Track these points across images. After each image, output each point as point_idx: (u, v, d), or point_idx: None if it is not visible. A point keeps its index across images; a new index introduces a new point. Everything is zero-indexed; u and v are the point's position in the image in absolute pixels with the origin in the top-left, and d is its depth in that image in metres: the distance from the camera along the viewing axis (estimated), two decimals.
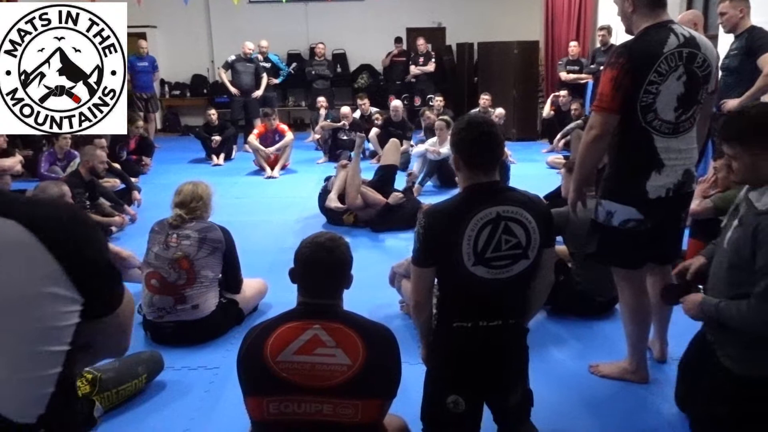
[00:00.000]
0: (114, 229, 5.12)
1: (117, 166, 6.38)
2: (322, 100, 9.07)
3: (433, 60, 9.92)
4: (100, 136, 6.43)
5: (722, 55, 4.61)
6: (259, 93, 9.19)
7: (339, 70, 11.08)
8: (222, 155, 8.42)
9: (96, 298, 0.90)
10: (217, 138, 8.33)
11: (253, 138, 7.80)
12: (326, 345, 1.75)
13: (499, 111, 8.02)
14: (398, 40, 10.25)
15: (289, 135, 7.86)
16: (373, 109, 8.91)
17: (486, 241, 1.91)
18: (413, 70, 9.91)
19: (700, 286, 2.23)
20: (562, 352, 3.13)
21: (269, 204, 6.29)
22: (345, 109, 8.43)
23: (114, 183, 6.30)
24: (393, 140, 6.06)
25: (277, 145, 7.74)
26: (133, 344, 3.04)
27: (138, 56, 9.23)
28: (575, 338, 3.26)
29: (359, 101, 8.91)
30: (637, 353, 2.74)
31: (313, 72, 10.02)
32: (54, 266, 0.83)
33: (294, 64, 10.99)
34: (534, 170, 7.43)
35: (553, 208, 3.34)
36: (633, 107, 2.33)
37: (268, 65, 9.55)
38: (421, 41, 9.95)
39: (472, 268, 1.92)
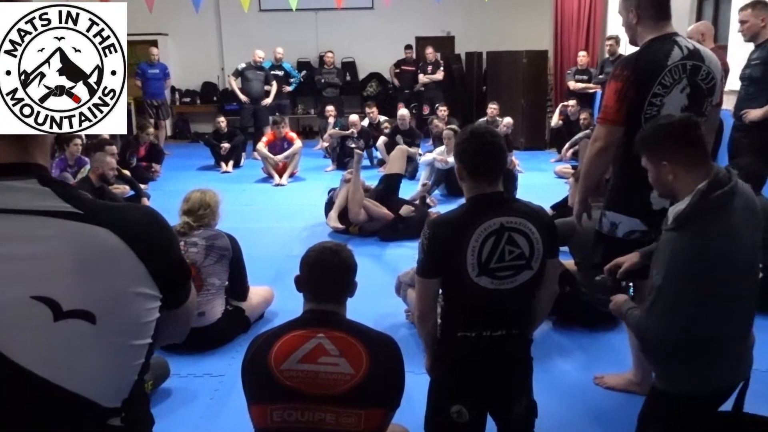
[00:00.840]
0: None
1: (127, 172, 6.42)
2: (330, 109, 9.08)
3: (442, 69, 9.95)
4: (111, 143, 6.50)
5: (737, 66, 4.61)
6: (268, 101, 9.24)
7: (348, 78, 11.13)
8: (231, 162, 8.47)
9: (172, 293, 1.02)
10: (226, 145, 8.38)
11: (261, 145, 7.85)
12: (330, 354, 1.76)
13: (507, 120, 8.02)
14: (408, 47, 10.26)
15: (298, 143, 7.90)
16: (382, 118, 8.94)
17: (490, 251, 1.92)
18: (422, 78, 9.94)
19: (630, 285, 2.17)
20: (567, 363, 3.12)
21: (277, 211, 6.31)
22: (353, 117, 8.46)
23: (123, 189, 6.36)
24: (400, 148, 6.06)
25: (286, 153, 7.78)
26: None
27: (149, 63, 9.32)
28: (580, 349, 3.25)
29: (368, 109, 8.95)
30: (642, 365, 2.73)
31: (323, 80, 10.07)
32: (141, 268, 0.93)
33: (303, 72, 11.05)
34: (542, 179, 7.43)
35: (560, 218, 3.35)
36: (637, 119, 2.33)
37: (281, 73, 9.61)
38: (429, 50, 9.98)
39: (476, 278, 1.93)
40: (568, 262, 3.51)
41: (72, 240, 0.89)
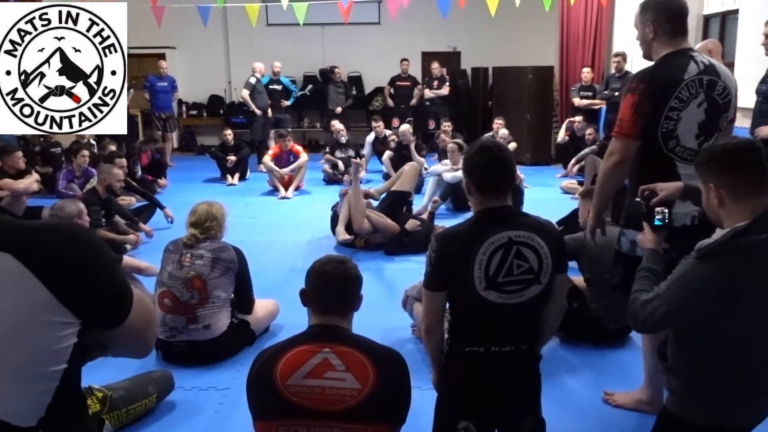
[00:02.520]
0: (129, 247, 5.16)
1: (135, 184, 6.43)
2: (341, 129, 8.65)
3: (448, 84, 9.97)
4: (120, 155, 6.53)
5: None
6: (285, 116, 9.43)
7: (354, 92, 11.19)
8: (237, 175, 8.49)
9: (95, 318, 0.93)
10: (232, 158, 8.41)
11: (268, 158, 7.86)
12: (336, 369, 1.74)
13: (503, 132, 8.14)
14: (404, 60, 10.22)
15: (304, 156, 7.91)
16: (388, 132, 8.96)
17: (498, 265, 1.90)
18: (427, 93, 9.96)
19: (666, 211, 2.03)
20: (575, 380, 3.08)
21: (282, 224, 6.31)
22: (338, 126, 8.53)
23: (130, 201, 6.37)
24: (413, 165, 5.96)
25: (292, 166, 7.79)
26: (145, 363, 3.06)
27: (158, 76, 9.38)
28: (589, 366, 3.21)
29: (374, 123, 8.97)
30: (653, 384, 2.69)
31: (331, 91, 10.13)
32: (47, 295, 0.86)
33: (310, 86, 11.10)
34: (548, 195, 7.41)
35: (569, 234, 3.34)
36: (654, 134, 2.31)
37: (279, 87, 9.66)
38: (435, 65, 10.01)
39: (484, 292, 1.91)
40: (577, 278, 3.48)
41: None
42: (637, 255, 2.44)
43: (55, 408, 0.89)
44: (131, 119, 10.21)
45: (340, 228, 5.29)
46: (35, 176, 6.40)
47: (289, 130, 8.89)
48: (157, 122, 9.46)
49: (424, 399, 2.19)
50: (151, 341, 1.12)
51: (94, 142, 8.00)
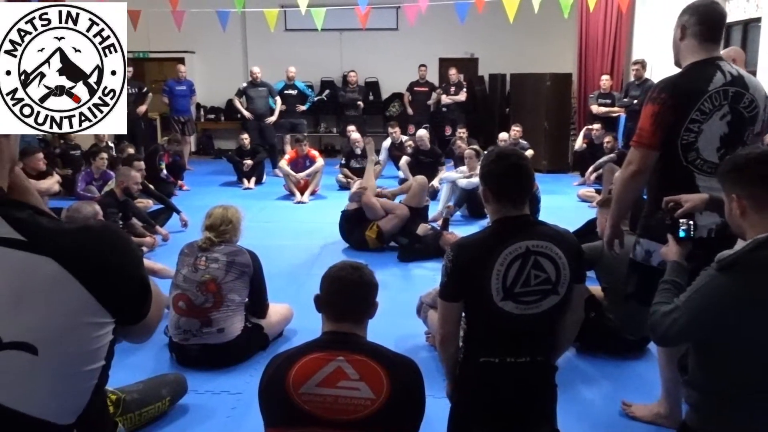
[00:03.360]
0: (145, 249, 5.19)
1: (152, 188, 6.48)
2: (357, 140, 8.46)
3: (465, 90, 9.94)
4: (138, 158, 6.59)
5: None
6: (273, 119, 9.32)
7: (371, 97, 11.19)
8: (253, 179, 8.53)
9: (126, 315, 0.98)
10: (248, 162, 8.45)
11: (284, 163, 7.89)
12: (350, 378, 1.73)
13: (503, 135, 8.23)
14: (422, 65, 10.21)
15: (320, 161, 7.93)
16: (404, 137, 8.95)
17: (515, 276, 1.88)
18: (444, 99, 9.95)
19: (690, 223, 1.99)
20: (592, 392, 3.04)
21: (297, 229, 6.32)
22: (355, 135, 8.51)
23: (147, 204, 6.42)
24: (420, 182, 5.83)
25: (308, 171, 7.81)
26: (159, 366, 3.07)
27: (177, 80, 9.46)
28: (606, 378, 3.17)
29: (390, 129, 8.97)
30: (671, 397, 2.64)
31: (346, 97, 10.13)
32: (87, 297, 0.89)
33: (327, 91, 11.13)
34: (565, 203, 7.35)
35: (587, 243, 3.29)
36: (674, 145, 2.27)
37: (294, 92, 9.68)
38: (453, 71, 9.99)
39: (501, 303, 1.89)
40: (594, 287, 3.44)
41: (11, 271, 0.85)
42: (651, 265, 2.41)
43: (92, 405, 0.92)
44: (150, 122, 10.31)
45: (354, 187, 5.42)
46: (56, 177, 6.48)
47: (305, 134, 8.92)
48: (176, 126, 9.54)
49: (437, 407, 2.17)
50: (155, 329, 1.15)
51: (112, 145, 8.09)
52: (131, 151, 7.28)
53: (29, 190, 1.06)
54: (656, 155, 2.30)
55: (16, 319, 0.85)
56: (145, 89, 9.18)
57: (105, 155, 7.11)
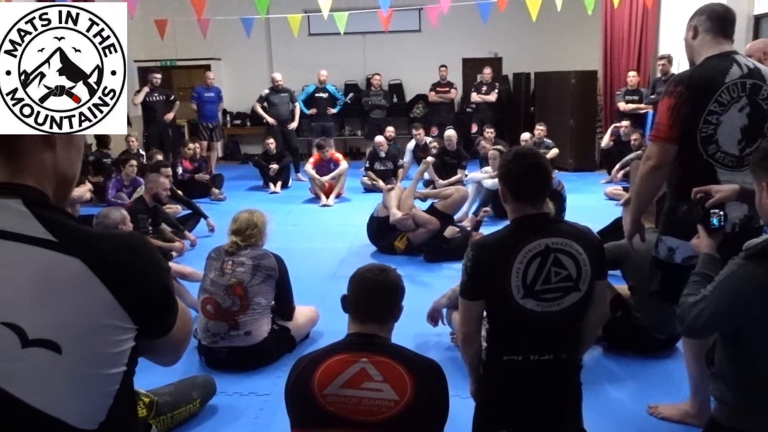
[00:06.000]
0: (174, 254, 5.28)
1: (180, 194, 6.60)
2: (381, 143, 8.53)
3: (496, 90, 9.90)
4: (166, 165, 6.72)
5: None
6: (294, 124, 9.42)
7: (395, 100, 11.21)
8: (279, 183, 8.61)
9: (148, 325, 0.98)
10: (274, 166, 8.54)
11: (309, 166, 7.96)
12: (373, 379, 1.74)
13: (525, 135, 8.27)
14: (443, 66, 10.20)
15: (344, 164, 7.97)
16: (428, 139, 8.95)
17: (535, 273, 1.88)
18: (474, 97, 9.92)
19: (722, 213, 1.97)
20: (619, 390, 3.01)
21: (323, 232, 6.36)
22: (379, 139, 8.55)
23: (175, 209, 6.53)
24: (461, 192, 5.92)
25: (332, 174, 7.86)
26: (189, 368, 3.13)
27: (206, 87, 9.60)
28: (633, 377, 3.13)
29: (414, 131, 8.98)
30: (699, 395, 2.61)
31: (370, 102, 10.17)
32: (110, 299, 0.91)
33: (351, 95, 11.18)
34: (592, 201, 7.28)
35: (614, 241, 3.27)
36: (693, 138, 2.26)
37: (325, 95, 9.76)
38: (487, 70, 9.94)
39: (522, 300, 1.89)
40: (621, 286, 3.40)
41: (40, 269, 0.88)
42: (675, 262, 2.39)
43: (115, 411, 0.93)
44: (178, 129, 10.48)
45: (395, 210, 5.36)
46: (88, 185, 6.62)
47: (332, 137, 8.97)
48: (204, 132, 9.68)
49: (461, 407, 2.18)
50: (181, 354, 1.17)
51: (143, 152, 8.25)
52: (160, 157, 7.41)
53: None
54: (675, 149, 2.28)
55: (41, 316, 0.87)
56: (173, 97, 9.34)
57: (134, 162, 7.25)
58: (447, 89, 10.15)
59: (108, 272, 0.91)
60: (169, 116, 9.11)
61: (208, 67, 10.58)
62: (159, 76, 8.96)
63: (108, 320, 0.91)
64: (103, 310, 0.91)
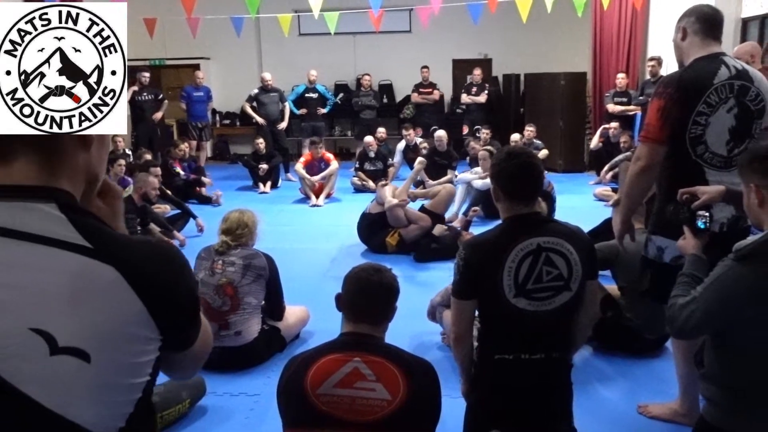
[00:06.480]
0: None
1: (170, 193, 6.56)
2: (370, 143, 8.55)
3: (486, 92, 9.93)
4: (155, 164, 6.67)
5: None
6: (284, 124, 9.37)
7: (385, 100, 11.21)
8: (269, 183, 8.59)
9: (173, 337, 0.98)
10: (264, 166, 8.51)
11: (299, 166, 7.94)
12: (366, 378, 1.74)
13: (514, 136, 8.23)
14: (424, 67, 10.22)
15: (334, 164, 7.96)
16: (419, 139, 8.96)
17: (527, 272, 1.89)
18: (464, 98, 9.94)
19: (707, 215, 1.99)
20: (609, 390, 3.03)
21: (313, 232, 6.35)
22: (368, 139, 8.54)
23: (164, 209, 6.49)
24: (448, 189, 6.01)
25: (322, 174, 7.85)
26: None
27: (195, 87, 9.55)
28: (623, 376, 3.15)
29: (404, 131, 8.98)
30: (689, 395, 2.63)
31: (360, 102, 10.17)
32: (142, 309, 0.90)
33: (341, 95, 11.18)
34: (581, 202, 7.32)
35: (604, 242, 3.28)
36: (682, 139, 2.28)
37: (315, 95, 9.74)
38: (477, 71, 9.95)
39: (514, 299, 1.90)
40: (611, 286, 3.42)
41: (74, 275, 0.87)
42: (664, 261, 2.41)
43: (135, 419, 0.92)
44: (167, 129, 10.42)
45: (390, 198, 5.40)
46: None
47: (322, 137, 8.96)
48: (194, 131, 9.62)
49: (453, 407, 2.18)
50: (197, 370, 1.16)
51: (129, 152, 8.19)
52: (148, 157, 7.36)
53: (98, 211, 1.07)
54: (664, 150, 2.31)
55: (73, 323, 0.86)
56: (161, 96, 9.28)
57: (123, 162, 7.20)
58: (430, 90, 10.17)
59: (141, 281, 0.90)
60: (158, 115, 9.05)
61: (197, 67, 10.53)
62: (147, 75, 8.90)
63: (137, 330, 0.90)
64: (133, 319, 0.90)
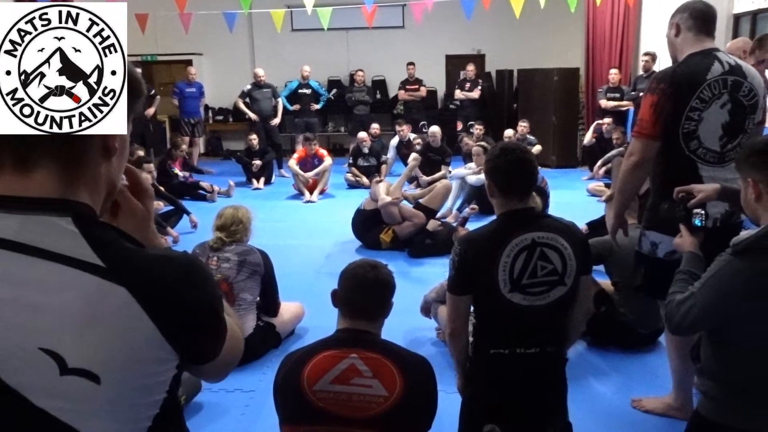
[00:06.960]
0: None
1: (163, 190, 6.53)
2: (363, 139, 8.52)
3: (480, 87, 9.93)
4: (148, 161, 6.64)
5: None
6: (277, 120, 9.35)
7: (379, 96, 11.20)
8: (262, 179, 8.57)
9: (194, 355, 0.96)
10: (257, 162, 8.49)
11: (293, 162, 7.92)
12: (363, 375, 1.74)
13: (508, 132, 8.26)
14: (410, 64, 10.21)
15: (328, 160, 7.95)
16: (412, 135, 8.96)
17: (522, 267, 1.89)
18: (457, 94, 9.94)
19: (703, 212, 2.01)
20: (603, 384, 3.04)
21: (307, 228, 6.35)
22: (362, 135, 8.53)
23: (158, 205, 6.46)
24: (445, 185, 6.03)
25: (316, 170, 7.84)
26: None
27: (187, 83, 9.51)
28: (617, 371, 3.17)
29: (398, 127, 8.98)
30: (682, 389, 2.65)
31: (353, 98, 10.16)
32: (155, 332, 0.88)
33: (334, 90, 11.16)
34: (574, 197, 7.34)
35: (597, 237, 3.30)
36: (675, 134, 2.29)
37: (308, 91, 9.72)
38: (471, 67, 9.94)
39: (509, 294, 1.90)
40: (604, 281, 3.44)
41: (85, 296, 0.85)
42: (657, 256, 2.42)
43: (154, 429, 0.91)
44: (159, 125, 10.37)
45: (384, 196, 5.40)
46: None
47: (315, 134, 8.94)
48: (186, 127, 9.59)
49: (448, 402, 2.18)
50: (228, 373, 1.13)
51: None
52: (141, 153, 7.33)
53: (134, 212, 1.05)
54: (657, 145, 2.32)
55: (82, 346, 0.85)
56: (153, 92, 9.23)
57: None
58: (416, 87, 10.16)
59: (154, 303, 0.88)
60: (150, 111, 9.01)
61: (189, 62, 10.49)
62: (139, 71, 8.83)
63: (149, 352, 0.89)
64: (145, 343, 0.88)
